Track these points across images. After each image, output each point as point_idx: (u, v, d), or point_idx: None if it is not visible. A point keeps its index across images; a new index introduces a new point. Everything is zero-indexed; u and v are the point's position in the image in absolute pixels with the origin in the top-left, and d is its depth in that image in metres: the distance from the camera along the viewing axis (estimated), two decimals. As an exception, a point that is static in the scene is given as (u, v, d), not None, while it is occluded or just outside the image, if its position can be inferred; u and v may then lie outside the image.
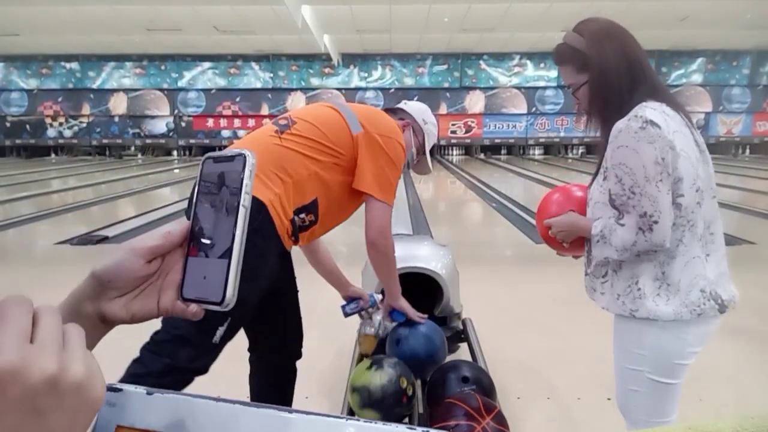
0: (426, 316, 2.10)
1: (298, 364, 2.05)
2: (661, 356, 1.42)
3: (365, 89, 18.15)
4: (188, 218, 0.57)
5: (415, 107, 2.10)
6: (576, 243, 1.57)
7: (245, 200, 0.52)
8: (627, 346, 1.48)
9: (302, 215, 1.69)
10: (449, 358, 2.40)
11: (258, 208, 1.54)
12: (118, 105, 18.21)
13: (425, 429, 0.78)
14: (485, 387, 1.80)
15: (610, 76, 1.40)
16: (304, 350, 2.05)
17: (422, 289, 2.56)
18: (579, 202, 1.58)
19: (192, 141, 18.43)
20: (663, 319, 1.38)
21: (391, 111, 2.07)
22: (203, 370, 1.50)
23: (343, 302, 2.25)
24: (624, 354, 1.49)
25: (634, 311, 1.41)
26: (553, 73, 17.85)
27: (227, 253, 0.53)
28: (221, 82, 18.06)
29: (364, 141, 1.77)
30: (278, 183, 1.62)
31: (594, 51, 1.41)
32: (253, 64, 17.90)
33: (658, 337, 1.41)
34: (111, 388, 0.81)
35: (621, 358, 1.51)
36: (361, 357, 2.11)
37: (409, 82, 18.12)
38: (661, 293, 1.39)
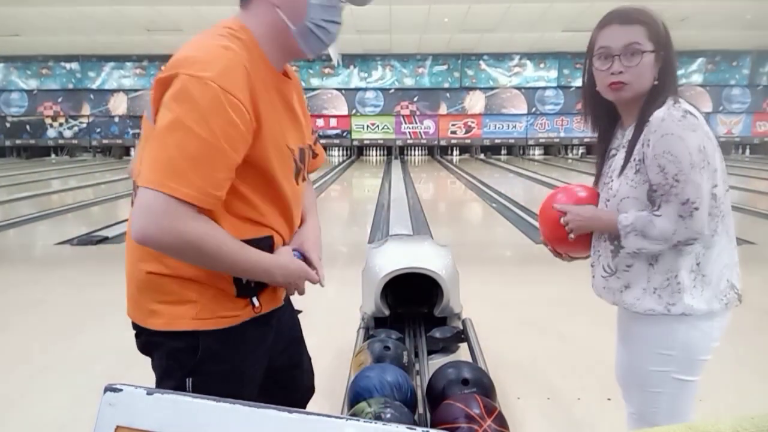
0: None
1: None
2: (689, 354, 1.42)
3: (365, 89, 18.14)
4: None
5: None
6: (579, 242, 1.54)
7: None
8: (653, 348, 1.45)
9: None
10: (449, 358, 2.40)
11: (191, 343, 1.20)
12: (118, 105, 18.20)
13: (425, 429, 0.78)
14: (485, 387, 1.80)
15: (672, 62, 1.41)
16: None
17: (422, 289, 2.56)
18: (585, 202, 1.55)
19: (192, 141, 18.42)
20: (698, 313, 1.38)
21: None
22: None
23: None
24: (648, 357, 1.46)
25: (671, 305, 1.39)
26: (553, 74, 17.84)
27: None
28: (221, 83, 18.06)
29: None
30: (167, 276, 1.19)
31: (665, 30, 1.42)
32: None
33: (687, 335, 1.41)
34: (111, 388, 0.81)
35: (644, 362, 1.48)
36: None
37: (409, 82, 18.11)
38: (696, 285, 1.39)
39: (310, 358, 1.63)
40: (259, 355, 1.34)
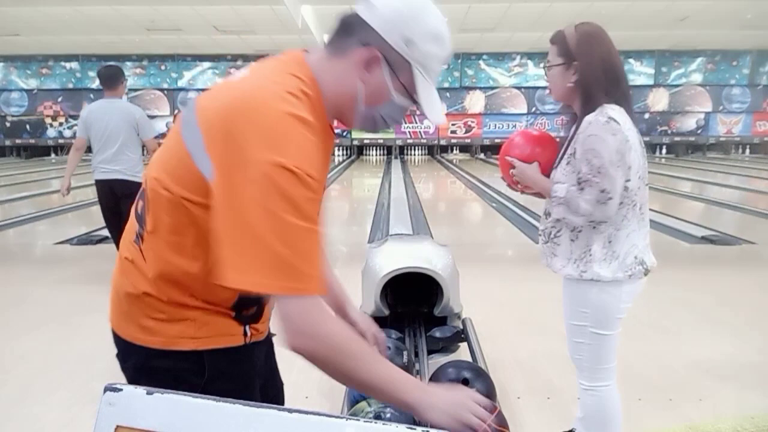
0: None
1: (299, 363, 1.99)
2: (601, 312, 1.76)
3: (365, 89, 18.13)
4: None
5: (386, 12, 1.04)
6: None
7: None
8: (573, 306, 1.82)
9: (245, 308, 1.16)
10: (449, 358, 2.40)
11: (196, 361, 1.12)
12: (118, 105, 18.20)
13: (425, 429, 0.78)
14: (485, 387, 1.80)
15: (592, 75, 1.70)
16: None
17: (422, 289, 2.56)
18: (537, 142, 1.94)
19: (192, 141, 18.43)
20: (604, 280, 1.72)
21: (340, 32, 1.09)
22: None
23: None
24: (571, 312, 1.84)
25: (583, 272, 1.74)
26: (553, 73, 17.85)
27: None
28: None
29: (222, 196, 0.95)
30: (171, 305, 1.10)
31: (581, 50, 1.70)
32: (253, 64, 17.90)
33: (598, 297, 1.75)
34: (111, 388, 0.81)
35: (568, 316, 1.86)
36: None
37: (409, 82, 18.10)
38: (606, 258, 1.73)
39: (282, 385, 1.50)
40: (258, 373, 1.29)
